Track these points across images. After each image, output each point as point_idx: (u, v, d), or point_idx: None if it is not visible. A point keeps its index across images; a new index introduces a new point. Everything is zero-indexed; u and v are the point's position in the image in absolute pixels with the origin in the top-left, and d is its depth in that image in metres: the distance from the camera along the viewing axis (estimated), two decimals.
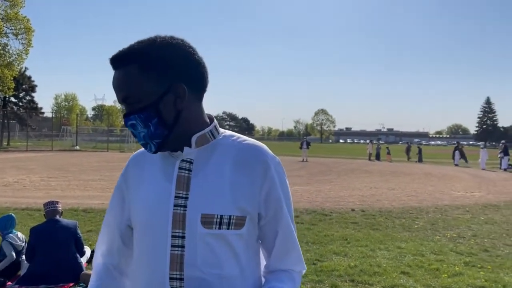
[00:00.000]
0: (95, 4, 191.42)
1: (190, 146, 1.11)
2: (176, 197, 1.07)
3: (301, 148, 29.36)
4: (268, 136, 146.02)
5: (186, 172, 1.10)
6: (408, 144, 36.13)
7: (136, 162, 1.23)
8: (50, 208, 4.56)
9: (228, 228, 1.07)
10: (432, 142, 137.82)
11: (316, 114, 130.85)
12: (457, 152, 28.07)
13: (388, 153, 31.46)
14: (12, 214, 4.82)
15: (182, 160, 1.11)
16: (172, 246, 1.05)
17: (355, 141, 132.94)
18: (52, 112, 50.22)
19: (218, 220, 1.06)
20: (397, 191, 12.83)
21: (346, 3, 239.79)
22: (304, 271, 1.24)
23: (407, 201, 10.86)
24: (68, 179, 13.91)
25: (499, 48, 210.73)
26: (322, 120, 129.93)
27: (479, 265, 5.36)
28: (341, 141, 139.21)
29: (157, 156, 1.17)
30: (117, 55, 1.07)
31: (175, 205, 1.07)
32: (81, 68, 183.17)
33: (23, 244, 4.66)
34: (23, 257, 4.55)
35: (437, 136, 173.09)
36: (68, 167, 19.01)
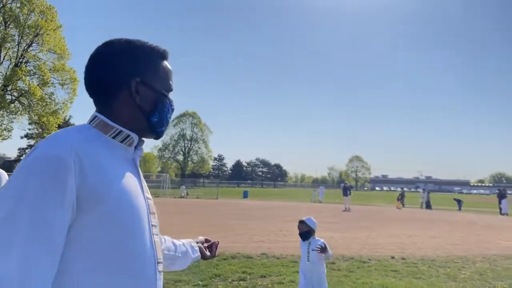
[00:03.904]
0: None
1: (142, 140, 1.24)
2: (143, 190, 1.17)
3: (345, 195, 25.98)
4: (301, 182, 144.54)
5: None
6: (403, 190, 34.74)
7: (88, 154, 1.01)
8: None
9: None
10: (474, 191, 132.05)
11: (350, 160, 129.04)
12: (504, 200, 26.54)
13: (398, 199, 30.26)
14: None
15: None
16: (153, 234, 1.14)
17: (392, 188, 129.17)
18: None
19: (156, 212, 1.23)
20: (439, 240, 12.13)
21: (379, 50, 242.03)
22: None
23: (451, 249, 10.21)
24: None
25: None
26: (357, 167, 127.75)
27: None
28: (377, 188, 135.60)
29: (106, 147, 1.10)
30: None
31: (146, 198, 1.16)
32: None
33: None
34: None
35: (479, 184, 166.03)
36: None
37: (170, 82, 1.25)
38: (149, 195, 1.20)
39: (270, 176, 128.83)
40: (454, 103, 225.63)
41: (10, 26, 34.11)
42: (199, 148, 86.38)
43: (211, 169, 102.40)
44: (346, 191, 26.38)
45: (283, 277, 6.62)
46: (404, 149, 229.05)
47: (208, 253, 1.66)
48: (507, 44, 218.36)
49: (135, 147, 1.20)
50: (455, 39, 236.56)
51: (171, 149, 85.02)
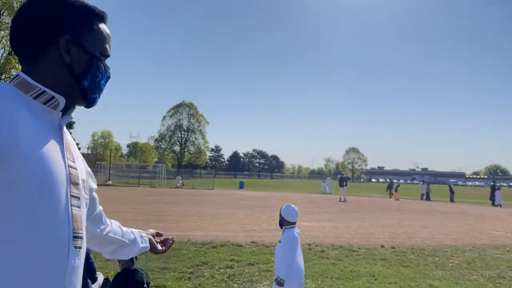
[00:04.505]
0: (131, 46, 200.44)
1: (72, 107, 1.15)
2: (66, 157, 1.08)
3: (342, 186, 25.84)
4: (298, 174, 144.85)
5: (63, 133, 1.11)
6: (390, 181, 35.31)
7: (4, 108, 0.95)
8: None
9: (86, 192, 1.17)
10: (470, 183, 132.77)
11: (347, 152, 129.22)
12: (498, 192, 26.70)
13: (396, 190, 30.69)
14: None
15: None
16: (72, 205, 1.05)
17: (388, 180, 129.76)
18: (88, 148, 51.75)
19: (84, 184, 1.15)
20: (431, 229, 12.16)
21: (376, 42, 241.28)
22: None
23: (441, 239, 10.23)
24: None
25: None
26: (354, 158, 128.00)
27: None
28: (373, 180, 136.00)
29: (24, 107, 1.00)
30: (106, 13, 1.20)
31: (69, 166, 1.07)
32: (117, 107, 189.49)
33: None
34: None
35: (475, 176, 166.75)
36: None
37: (107, 46, 1.17)
38: (76, 165, 1.11)
39: (267, 167, 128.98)
40: (451, 95, 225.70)
41: (4, 14, 33.69)
42: (196, 139, 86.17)
43: (208, 160, 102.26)
44: (342, 182, 26.25)
45: (270, 265, 6.59)
46: (401, 141, 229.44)
47: (160, 247, 1.59)
48: (505, 36, 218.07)
49: (63, 113, 1.11)
50: (454, 32, 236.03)
51: (168, 139, 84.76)
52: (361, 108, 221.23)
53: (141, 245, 1.49)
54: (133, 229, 1.51)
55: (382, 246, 8.76)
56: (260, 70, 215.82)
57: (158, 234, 1.64)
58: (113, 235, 1.41)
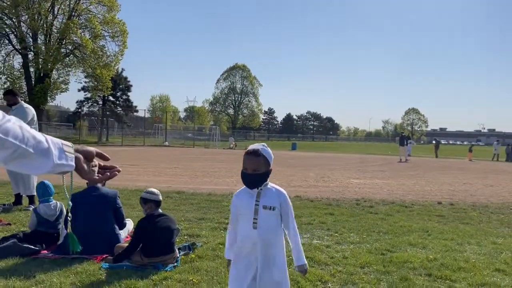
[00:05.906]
0: (188, 10, 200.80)
1: None
2: None
3: (402, 145, 23.93)
4: (354, 136, 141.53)
5: None
6: (437, 141, 36.39)
7: None
8: None
9: None
10: None
11: (406, 113, 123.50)
12: None
13: (470, 150, 30.00)
14: (46, 182, 4.64)
15: None
16: None
17: (451, 142, 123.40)
18: (145, 111, 53.30)
19: None
20: (495, 188, 11.14)
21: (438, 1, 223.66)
22: None
23: (507, 197, 9.29)
24: (146, 167, 14.26)
25: None
26: (413, 119, 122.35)
27: None
28: (434, 142, 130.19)
29: None
30: None
31: None
32: (175, 72, 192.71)
33: (57, 213, 4.48)
34: (62, 225, 4.38)
35: None
36: (152, 158, 19.72)
37: None
38: None
39: (322, 129, 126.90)
40: None
41: None
42: (249, 101, 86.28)
43: (262, 123, 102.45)
44: (402, 140, 24.15)
45: (313, 218, 6.20)
46: (465, 101, 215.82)
47: (95, 176, 1.17)
48: None
49: None
50: None
51: (222, 102, 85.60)
52: (423, 65, 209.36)
53: (58, 161, 1.04)
54: (54, 138, 1.06)
55: (439, 203, 8.04)
56: (313, 30, 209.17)
57: (100, 156, 1.18)
58: (3, 136, 0.96)
